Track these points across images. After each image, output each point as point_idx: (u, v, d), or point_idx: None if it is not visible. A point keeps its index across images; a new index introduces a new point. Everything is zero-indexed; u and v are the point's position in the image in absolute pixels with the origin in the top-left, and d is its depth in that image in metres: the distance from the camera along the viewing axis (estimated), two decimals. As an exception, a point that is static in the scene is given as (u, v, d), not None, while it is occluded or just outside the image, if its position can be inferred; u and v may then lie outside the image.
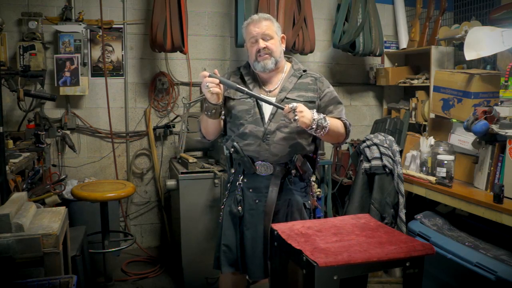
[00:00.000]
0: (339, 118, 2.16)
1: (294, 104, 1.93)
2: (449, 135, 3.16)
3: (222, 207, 2.25)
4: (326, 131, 1.99)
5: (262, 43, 2.09)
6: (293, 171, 2.14)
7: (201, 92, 3.93)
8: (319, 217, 3.56)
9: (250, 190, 2.15)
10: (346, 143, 3.95)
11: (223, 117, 2.14)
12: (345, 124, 2.16)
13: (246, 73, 2.21)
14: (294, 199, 2.17)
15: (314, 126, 1.95)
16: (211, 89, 1.95)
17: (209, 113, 2.05)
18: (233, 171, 2.21)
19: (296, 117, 1.90)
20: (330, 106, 2.18)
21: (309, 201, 2.24)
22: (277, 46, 2.12)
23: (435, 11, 3.90)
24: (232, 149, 2.14)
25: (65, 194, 3.25)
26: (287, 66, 2.22)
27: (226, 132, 2.25)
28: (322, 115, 1.99)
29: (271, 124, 2.09)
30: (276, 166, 2.11)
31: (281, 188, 2.13)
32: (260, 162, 2.11)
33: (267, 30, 2.10)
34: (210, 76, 1.96)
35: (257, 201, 2.14)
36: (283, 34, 2.21)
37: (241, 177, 2.16)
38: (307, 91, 2.15)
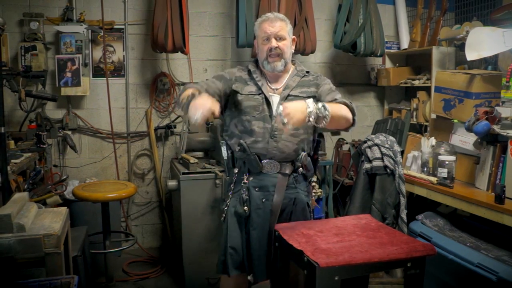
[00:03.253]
0: (340, 102, 2.02)
1: (280, 107, 1.76)
2: (450, 135, 3.15)
3: (226, 208, 2.20)
4: (329, 120, 1.81)
5: (274, 43, 2.09)
6: (300, 169, 2.15)
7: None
8: (320, 218, 3.56)
9: (256, 189, 2.12)
10: (346, 143, 3.99)
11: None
12: (347, 105, 2.00)
13: (254, 71, 2.20)
14: (298, 198, 2.17)
15: (311, 119, 1.77)
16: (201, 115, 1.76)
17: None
18: (236, 170, 2.19)
19: (284, 120, 1.73)
20: (330, 94, 2.10)
21: (309, 201, 2.25)
22: (288, 47, 2.14)
23: (436, 11, 3.89)
24: (238, 147, 2.12)
25: (67, 195, 3.26)
26: (291, 67, 2.24)
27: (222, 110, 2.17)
28: (320, 104, 1.80)
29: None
30: (283, 164, 2.11)
31: (287, 186, 2.13)
32: (267, 160, 2.10)
33: (281, 31, 2.10)
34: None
35: (263, 200, 2.12)
36: (293, 36, 2.21)
37: (247, 176, 2.14)
38: (310, 87, 2.17)
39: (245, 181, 2.14)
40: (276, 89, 2.16)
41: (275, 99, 2.13)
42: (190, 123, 1.87)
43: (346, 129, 2.08)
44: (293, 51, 2.20)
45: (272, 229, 2.07)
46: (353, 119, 2.02)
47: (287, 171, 2.12)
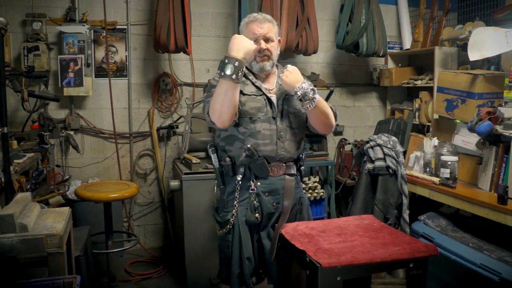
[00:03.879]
0: None
1: (291, 66, 1.99)
2: (453, 136, 3.15)
3: (232, 219, 2.08)
4: (315, 105, 1.95)
5: (263, 44, 2.06)
6: (302, 168, 2.17)
7: (204, 92, 3.93)
8: (322, 218, 3.56)
9: (266, 194, 2.08)
10: (348, 143, 3.99)
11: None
12: (330, 108, 2.12)
13: (248, 73, 2.16)
14: (303, 197, 2.20)
15: (299, 92, 1.93)
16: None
17: (239, 74, 1.88)
18: (239, 178, 2.08)
19: (280, 74, 1.96)
20: None
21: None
22: (276, 49, 2.12)
23: (439, 11, 3.89)
24: (245, 153, 2.04)
25: (69, 195, 3.26)
26: (276, 69, 2.22)
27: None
28: (312, 86, 1.97)
29: (282, 122, 2.08)
30: (287, 164, 2.11)
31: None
32: (274, 162, 2.08)
33: (269, 33, 2.08)
34: None
35: (274, 203, 2.09)
36: (279, 37, 2.20)
37: (254, 182, 2.08)
38: None
39: (253, 187, 2.07)
40: (271, 89, 2.14)
41: (273, 100, 2.11)
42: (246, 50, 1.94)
43: (325, 134, 2.26)
44: (279, 52, 2.18)
45: (278, 231, 2.04)
46: (335, 121, 2.14)
47: (293, 171, 2.12)
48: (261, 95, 2.09)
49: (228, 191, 2.14)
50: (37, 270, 1.84)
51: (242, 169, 2.08)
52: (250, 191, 2.07)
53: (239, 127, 2.06)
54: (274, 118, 2.08)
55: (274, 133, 2.06)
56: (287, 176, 2.10)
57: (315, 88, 1.98)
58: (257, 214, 2.04)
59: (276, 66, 2.24)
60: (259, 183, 2.08)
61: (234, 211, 2.08)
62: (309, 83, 1.96)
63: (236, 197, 2.09)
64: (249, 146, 2.03)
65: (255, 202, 2.05)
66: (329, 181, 3.75)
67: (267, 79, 2.17)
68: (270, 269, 2.11)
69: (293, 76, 1.95)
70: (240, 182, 2.09)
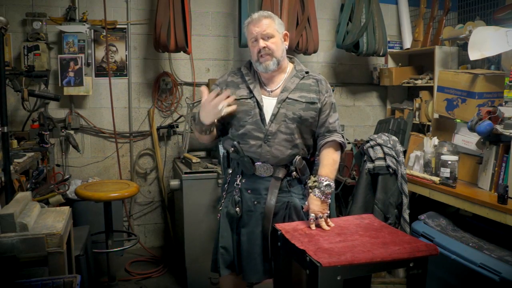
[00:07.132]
0: (334, 135, 2.14)
1: (313, 216, 2.00)
2: (453, 135, 3.15)
3: (220, 208, 2.19)
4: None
5: (262, 43, 2.03)
6: (294, 173, 2.10)
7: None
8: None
9: (249, 191, 2.10)
10: (349, 143, 3.99)
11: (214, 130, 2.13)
12: (340, 145, 2.14)
13: (246, 73, 2.15)
14: (292, 201, 2.12)
15: (329, 197, 2.06)
16: (225, 109, 1.99)
17: (203, 133, 2.09)
18: (230, 171, 2.16)
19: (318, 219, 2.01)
20: (326, 111, 2.14)
21: (304, 204, 2.17)
22: (279, 45, 2.07)
23: (439, 11, 3.89)
24: (232, 149, 2.08)
25: (69, 194, 3.26)
26: (289, 66, 2.18)
27: (223, 133, 2.21)
28: (325, 183, 2.03)
29: (272, 125, 2.05)
30: (277, 167, 2.08)
31: (280, 190, 2.09)
32: (260, 163, 2.07)
33: (267, 29, 2.04)
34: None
35: (255, 202, 2.09)
36: (285, 31, 2.15)
37: (240, 178, 2.11)
38: (309, 92, 2.11)
39: (238, 182, 2.11)
40: (272, 91, 2.11)
41: (270, 102, 2.08)
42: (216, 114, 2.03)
43: None
44: (286, 47, 2.13)
45: (266, 232, 2.05)
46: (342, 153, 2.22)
47: (280, 175, 2.08)
48: (251, 97, 2.08)
49: (223, 182, 2.25)
50: (37, 270, 1.83)
51: (233, 163, 2.15)
52: (235, 186, 2.12)
53: (231, 129, 2.14)
54: (262, 121, 2.06)
55: (261, 136, 2.05)
56: (273, 179, 2.09)
57: (327, 180, 2.05)
58: (237, 208, 2.09)
59: (292, 62, 2.21)
60: (244, 180, 2.12)
61: (222, 201, 2.18)
62: (318, 189, 2.04)
63: (225, 188, 2.18)
64: (234, 143, 2.07)
65: (236, 196, 2.10)
66: (329, 181, 3.74)
67: (272, 78, 2.13)
68: (246, 266, 2.10)
69: (322, 209, 2.03)
70: (230, 175, 2.17)
